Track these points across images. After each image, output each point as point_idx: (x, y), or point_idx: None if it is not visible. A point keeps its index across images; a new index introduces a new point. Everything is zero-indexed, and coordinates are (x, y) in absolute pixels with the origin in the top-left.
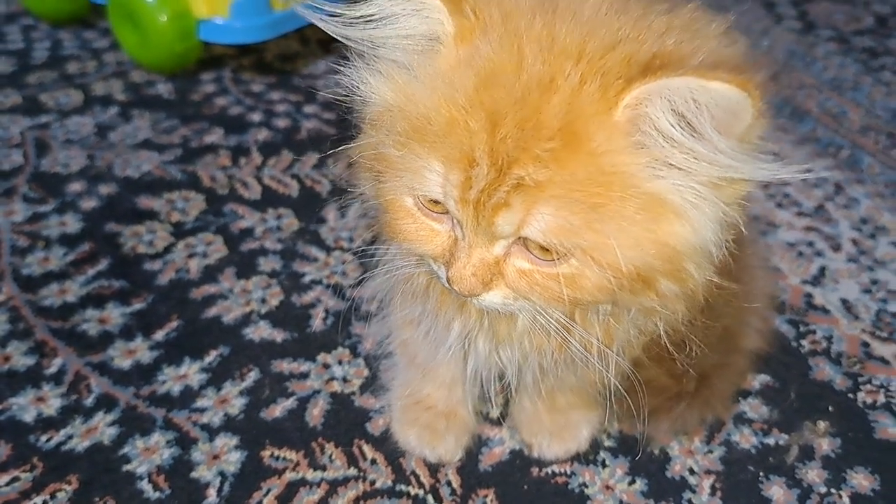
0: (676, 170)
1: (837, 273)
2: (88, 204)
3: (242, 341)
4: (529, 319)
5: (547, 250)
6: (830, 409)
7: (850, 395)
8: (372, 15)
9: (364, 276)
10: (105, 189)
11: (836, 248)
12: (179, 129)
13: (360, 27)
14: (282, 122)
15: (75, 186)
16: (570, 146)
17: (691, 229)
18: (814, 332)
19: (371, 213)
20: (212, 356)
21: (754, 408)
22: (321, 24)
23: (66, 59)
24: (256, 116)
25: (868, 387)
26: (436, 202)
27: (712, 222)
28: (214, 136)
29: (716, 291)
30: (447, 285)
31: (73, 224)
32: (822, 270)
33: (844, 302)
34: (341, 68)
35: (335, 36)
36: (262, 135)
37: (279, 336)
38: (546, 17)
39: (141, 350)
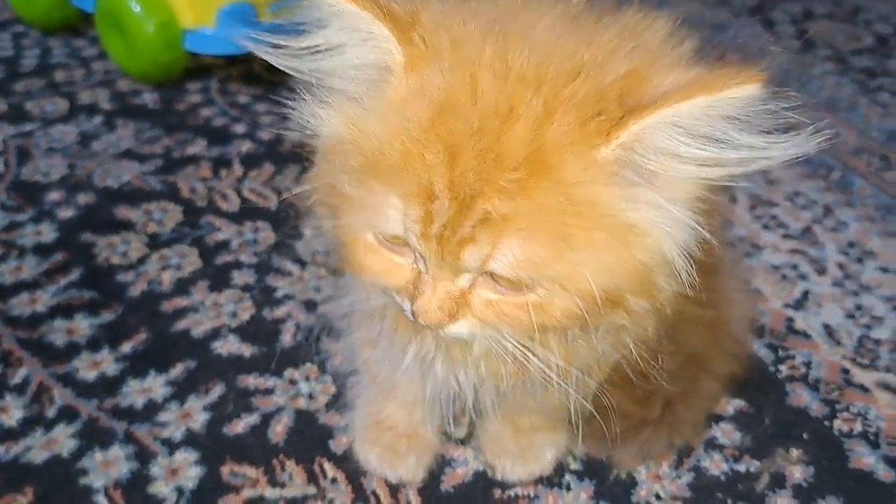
0: (658, 194)
1: (821, 297)
2: (66, 213)
3: (210, 355)
4: (487, 343)
5: (514, 281)
6: (805, 436)
7: (827, 423)
8: (318, 45)
9: (331, 297)
10: (83, 198)
11: (822, 271)
12: (162, 140)
13: (308, 58)
14: (266, 135)
15: (54, 195)
16: (537, 175)
17: (664, 245)
18: (793, 357)
19: (331, 245)
20: (178, 370)
21: (727, 433)
22: (266, 57)
23: (54, 66)
24: (241, 128)
25: (845, 414)
26: (397, 237)
27: (684, 230)
28: (197, 147)
29: (681, 315)
30: (412, 318)
31: (48, 233)
32: (806, 294)
33: (826, 327)
34: (289, 102)
35: (282, 68)
36: (245, 146)
37: (247, 351)
38: (497, 43)
39: (107, 362)
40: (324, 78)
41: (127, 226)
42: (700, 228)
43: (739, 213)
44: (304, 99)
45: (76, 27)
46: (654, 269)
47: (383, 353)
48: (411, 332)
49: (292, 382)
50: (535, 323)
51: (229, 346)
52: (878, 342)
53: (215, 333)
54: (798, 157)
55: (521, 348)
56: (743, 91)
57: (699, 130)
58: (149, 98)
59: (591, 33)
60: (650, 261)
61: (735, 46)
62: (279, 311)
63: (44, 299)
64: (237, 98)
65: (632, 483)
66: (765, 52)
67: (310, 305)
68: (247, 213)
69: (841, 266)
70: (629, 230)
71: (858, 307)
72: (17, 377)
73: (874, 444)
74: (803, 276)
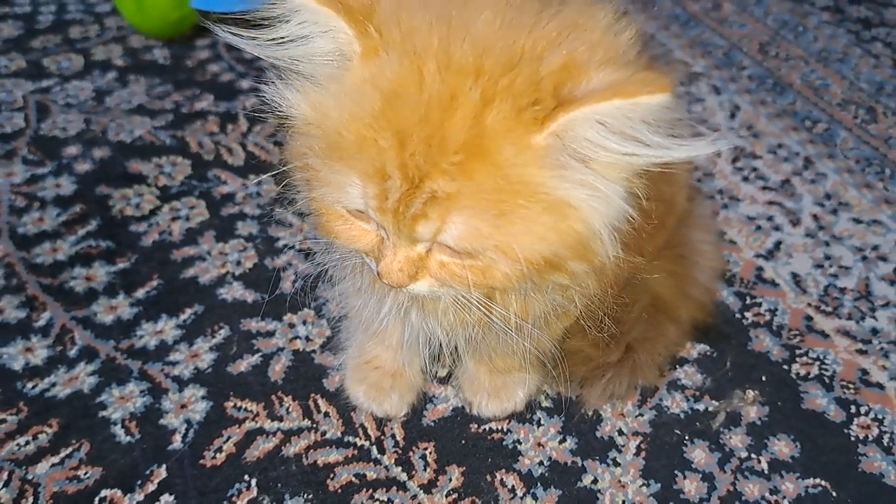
0: (582, 170)
1: (793, 247)
2: (82, 167)
3: (216, 301)
4: (451, 299)
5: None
6: (763, 378)
7: (785, 367)
8: (284, 37)
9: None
10: (99, 153)
11: (796, 222)
12: (172, 95)
13: (275, 48)
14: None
15: (71, 150)
16: (476, 159)
17: (597, 217)
18: (759, 304)
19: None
20: (187, 314)
21: (689, 375)
22: (238, 44)
23: (69, 23)
24: (246, 84)
25: (804, 359)
26: (360, 210)
27: (617, 202)
28: (205, 102)
29: (628, 268)
30: (378, 277)
31: (67, 186)
32: (778, 245)
33: (794, 276)
34: (262, 84)
35: (255, 54)
36: (251, 102)
37: (250, 297)
38: (441, 34)
39: (122, 307)
40: (291, 64)
41: (139, 179)
42: (630, 188)
43: (721, 165)
44: (273, 82)
45: None
46: (587, 237)
47: (366, 302)
48: (387, 287)
49: (291, 326)
50: (478, 283)
51: (234, 292)
52: (843, 290)
53: (221, 280)
54: (699, 157)
55: (481, 304)
56: (652, 99)
57: (617, 128)
58: (159, 54)
59: (532, 24)
60: (583, 231)
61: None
62: (280, 260)
63: (64, 248)
64: (243, 54)
65: (598, 420)
66: (761, 1)
67: (308, 254)
68: (251, 166)
69: (815, 217)
70: (562, 206)
71: (828, 257)
72: (42, 320)
73: (828, 387)
74: (777, 227)
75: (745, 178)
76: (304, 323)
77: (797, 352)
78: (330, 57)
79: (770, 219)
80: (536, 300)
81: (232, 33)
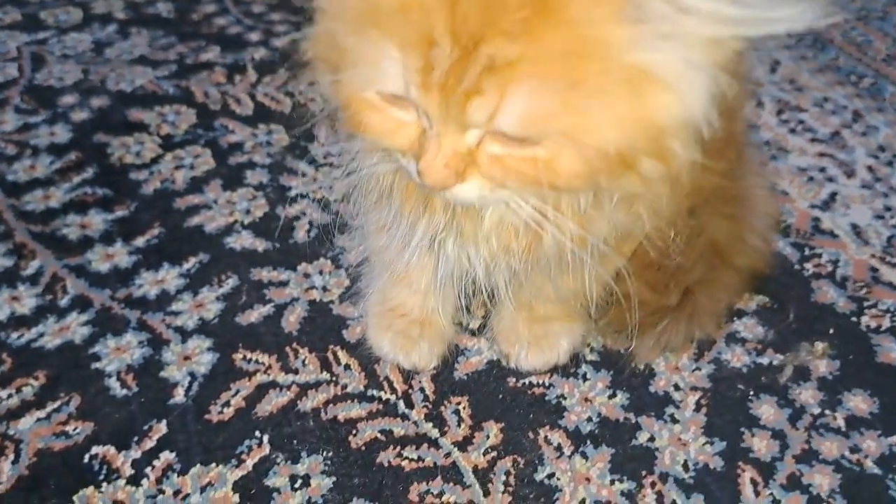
0: (668, 38)
1: (849, 199)
2: (79, 116)
3: (223, 250)
4: (498, 214)
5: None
6: (831, 331)
7: (854, 319)
8: None
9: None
10: (97, 102)
11: (850, 174)
12: (176, 47)
13: None
14: (280, 42)
15: (68, 99)
16: (542, 14)
17: (678, 102)
18: (819, 255)
19: (331, 108)
20: (191, 263)
21: (749, 328)
22: None
23: None
24: (255, 36)
25: (873, 311)
26: (398, 95)
27: (701, 91)
28: (211, 53)
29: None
30: (418, 180)
31: (62, 134)
32: (833, 196)
33: (854, 227)
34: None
35: None
36: (259, 54)
37: (261, 246)
38: None
39: (120, 255)
40: None
41: (140, 127)
42: (718, 78)
43: (766, 117)
44: None
45: None
46: (669, 129)
47: (392, 236)
48: (421, 208)
49: (306, 276)
50: (542, 180)
51: (242, 240)
52: None
53: (228, 229)
54: (800, 29)
55: (536, 213)
56: None
57: None
58: (163, 7)
59: None
60: (665, 119)
61: None
62: (293, 209)
63: (57, 196)
64: (251, 7)
65: (650, 374)
66: None
67: (323, 204)
68: (260, 115)
69: (870, 169)
70: (643, 78)
71: (888, 208)
72: (31, 268)
73: None
74: (831, 179)
75: (793, 131)
76: (321, 273)
77: (865, 304)
78: None
79: (822, 170)
80: (597, 216)
81: None
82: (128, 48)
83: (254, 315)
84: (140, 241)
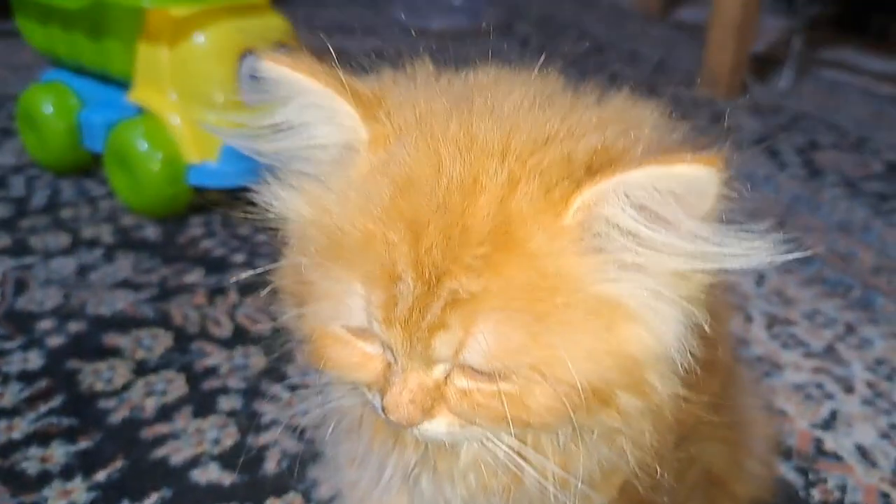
0: (632, 269)
1: (851, 417)
2: (55, 341)
3: (188, 484)
4: (475, 450)
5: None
6: None
7: None
8: (280, 123)
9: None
10: (74, 327)
11: (849, 390)
12: (159, 270)
13: (269, 138)
14: (265, 263)
15: (45, 324)
16: (504, 249)
17: (650, 334)
18: (825, 480)
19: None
20: (152, 499)
21: None
22: (229, 140)
23: (62, 205)
24: (240, 257)
25: None
26: (362, 328)
27: (673, 323)
28: (194, 276)
29: (692, 424)
30: (383, 415)
31: (35, 360)
32: (834, 414)
33: (859, 448)
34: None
35: (242, 150)
36: (244, 274)
37: (228, 479)
38: (462, 116)
39: (78, 491)
40: (287, 159)
41: (115, 353)
42: (690, 310)
43: (756, 332)
44: (267, 182)
45: (88, 170)
46: (643, 362)
47: (363, 470)
48: (391, 443)
49: None
50: (511, 416)
51: (209, 474)
52: None
53: (195, 461)
54: (752, 266)
55: (513, 453)
56: (692, 170)
57: (641, 201)
58: (151, 231)
59: (568, 110)
60: (638, 351)
61: (740, 175)
62: (265, 438)
63: (21, 426)
64: (238, 230)
65: None
66: (770, 180)
67: (297, 431)
68: (239, 338)
69: (870, 384)
70: (611, 310)
71: (893, 426)
72: None
73: None
74: (829, 396)
75: (785, 345)
76: None
77: None
78: (332, 149)
79: (820, 386)
80: (578, 452)
81: (224, 122)
82: (112, 272)
83: None
84: (101, 476)
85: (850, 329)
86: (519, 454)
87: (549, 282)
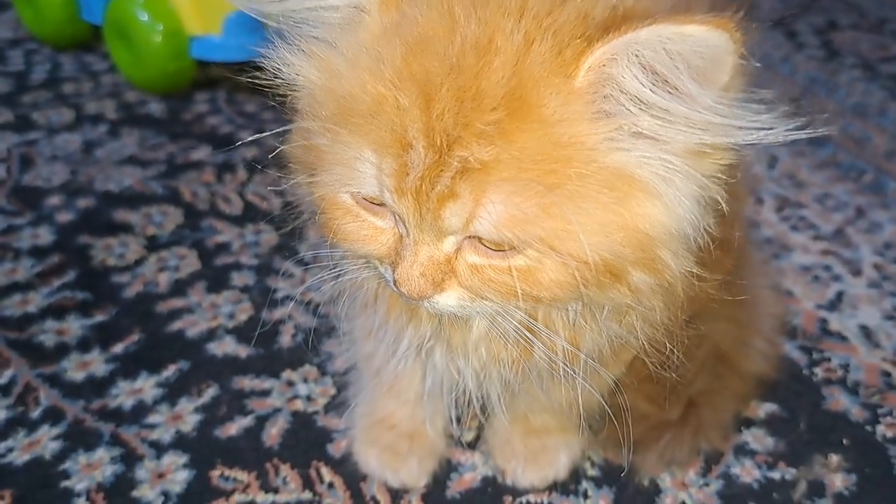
0: (645, 139)
1: (857, 298)
2: (64, 217)
3: (204, 356)
4: (486, 323)
5: (500, 244)
6: (845, 442)
7: (868, 428)
8: None
9: (313, 281)
10: (83, 203)
11: (857, 272)
12: (166, 146)
13: (278, 1)
14: (272, 141)
15: (53, 200)
16: (517, 116)
17: (664, 209)
18: (828, 359)
19: (310, 211)
20: (170, 371)
21: (758, 439)
22: (235, 1)
23: (63, 80)
24: (247, 135)
25: (888, 419)
26: (373, 197)
27: (688, 200)
28: (201, 153)
29: (699, 295)
30: (395, 288)
31: (45, 236)
32: (840, 296)
33: (864, 328)
34: (263, 51)
35: (251, 14)
36: (251, 153)
37: (243, 352)
38: None
39: (96, 363)
40: (296, 23)
41: (125, 228)
42: (706, 187)
43: (766, 214)
44: (276, 47)
45: (88, 44)
46: (657, 238)
47: (379, 342)
48: (406, 315)
49: (290, 384)
50: (522, 291)
51: (225, 346)
52: None
53: (211, 334)
54: (766, 141)
55: (523, 328)
56: (703, 33)
57: (650, 63)
58: (155, 108)
59: None
60: (652, 227)
61: (756, 55)
62: (278, 313)
63: (36, 300)
64: (244, 107)
65: (656, 491)
66: (788, 60)
67: (310, 307)
68: (249, 215)
69: (877, 267)
70: (625, 183)
71: None
72: (3, 378)
73: None
74: (837, 278)
75: (794, 228)
76: (305, 381)
77: (879, 411)
78: (342, 9)
79: (827, 268)
80: (589, 329)
81: None
82: (117, 148)
83: (233, 428)
84: (118, 348)
85: (860, 213)
86: (529, 329)
87: (562, 151)
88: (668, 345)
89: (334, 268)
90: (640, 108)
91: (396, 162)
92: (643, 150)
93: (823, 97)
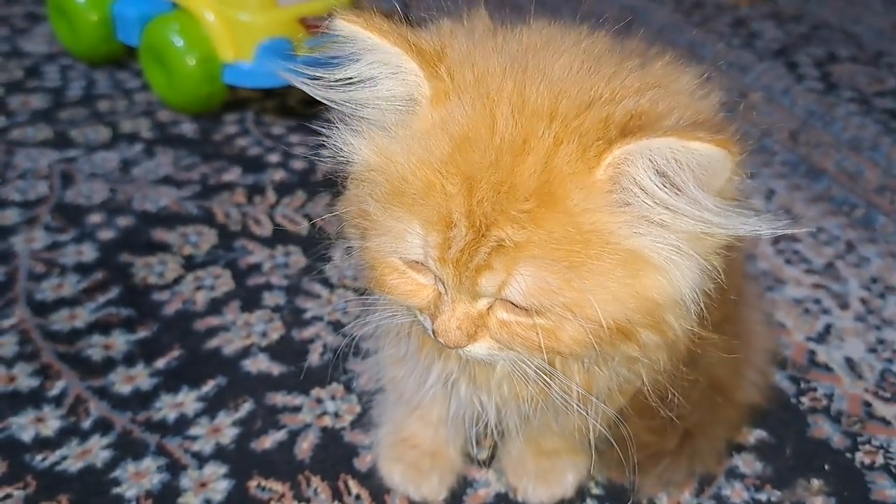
0: (656, 226)
1: (843, 331)
2: (106, 235)
3: (240, 373)
4: (509, 366)
5: (527, 308)
6: (827, 467)
7: (848, 455)
8: (352, 77)
9: (359, 318)
10: (123, 221)
11: (844, 306)
12: (199, 167)
13: (341, 90)
14: (298, 164)
15: (95, 218)
16: (546, 206)
17: (670, 282)
18: (815, 389)
19: (359, 266)
20: (209, 386)
21: (748, 463)
22: (304, 88)
23: (98, 97)
24: (275, 157)
25: (867, 447)
26: (418, 262)
27: (691, 274)
28: (232, 174)
29: (698, 344)
30: (432, 337)
31: (89, 253)
32: (828, 328)
33: (848, 360)
34: (323, 131)
35: (318, 98)
36: (279, 175)
37: (276, 369)
38: (516, 77)
39: (141, 377)
40: (356, 108)
41: (164, 247)
42: (707, 263)
43: (762, 247)
44: (337, 127)
45: (121, 61)
46: (663, 304)
47: (409, 371)
48: (436, 352)
49: (319, 401)
50: (545, 346)
51: (259, 364)
52: None
53: (245, 352)
54: (752, 236)
55: (542, 373)
56: (706, 149)
57: (661, 167)
58: (188, 128)
59: (612, 73)
60: (659, 296)
61: (757, 88)
62: (307, 332)
63: (83, 316)
64: (272, 129)
65: None
66: (788, 92)
67: (337, 327)
68: (279, 237)
69: (863, 301)
70: (636, 259)
71: (881, 341)
72: (56, 389)
73: None
74: (826, 311)
75: (788, 261)
76: (333, 398)
77: (859, 439)
78: (398, 101)
79: (817, 301)
80: (600, 374)
81: (298, 71)
82: (153, 168)
83: (268, 441)
84: (161, 363)
85: (850, 247)
86: (548, 374)
87: (584, 235)
88: (669, 388)
89: (372, 306)
90: (653, 202)
91: (441, 237)
92: (653, 235)
93: (820, 130)
